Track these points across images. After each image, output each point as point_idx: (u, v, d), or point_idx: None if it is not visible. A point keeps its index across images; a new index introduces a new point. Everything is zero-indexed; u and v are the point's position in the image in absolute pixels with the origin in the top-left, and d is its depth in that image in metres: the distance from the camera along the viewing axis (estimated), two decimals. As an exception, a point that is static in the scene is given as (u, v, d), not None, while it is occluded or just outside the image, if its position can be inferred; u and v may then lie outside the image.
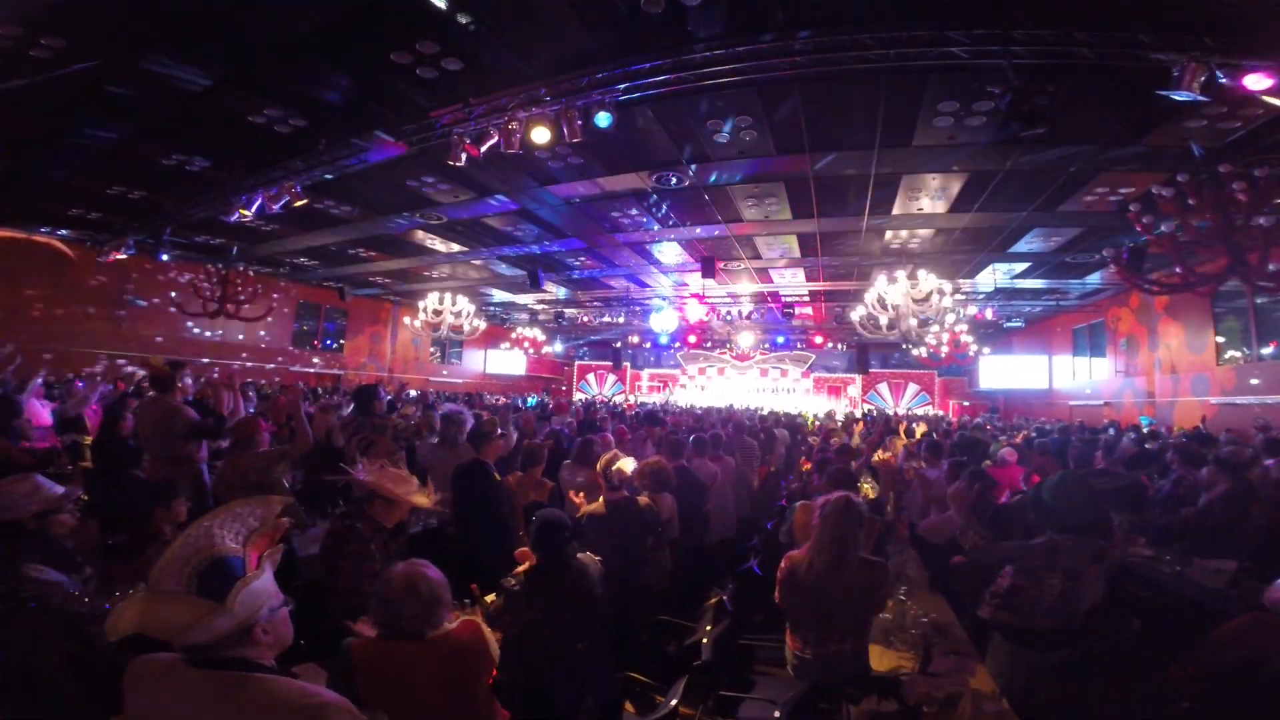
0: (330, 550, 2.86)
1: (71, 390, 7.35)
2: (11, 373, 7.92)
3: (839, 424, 13.94)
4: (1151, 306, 13.91)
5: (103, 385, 8.45)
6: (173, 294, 11.75)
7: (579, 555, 2.90)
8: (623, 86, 6.02)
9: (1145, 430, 10.76)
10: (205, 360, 14.26)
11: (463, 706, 1.95)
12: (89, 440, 6.70)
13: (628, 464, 3.99)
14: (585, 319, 21.53)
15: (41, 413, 6.73)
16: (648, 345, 24.77)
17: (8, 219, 11.67)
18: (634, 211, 10.48)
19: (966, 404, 23.10)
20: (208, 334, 14.77)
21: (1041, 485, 3.09)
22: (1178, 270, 6.03)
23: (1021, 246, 11.63)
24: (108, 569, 2.84)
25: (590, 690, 2.71)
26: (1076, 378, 18.15)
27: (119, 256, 12.15)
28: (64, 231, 12.42)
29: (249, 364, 15.94)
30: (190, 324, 13.94)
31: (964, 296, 15.06)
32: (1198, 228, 5.40)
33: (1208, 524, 4.64)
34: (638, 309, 19.34)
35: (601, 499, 3.89)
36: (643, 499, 3.96)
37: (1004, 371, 20.92)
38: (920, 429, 8.26)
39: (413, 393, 13.27)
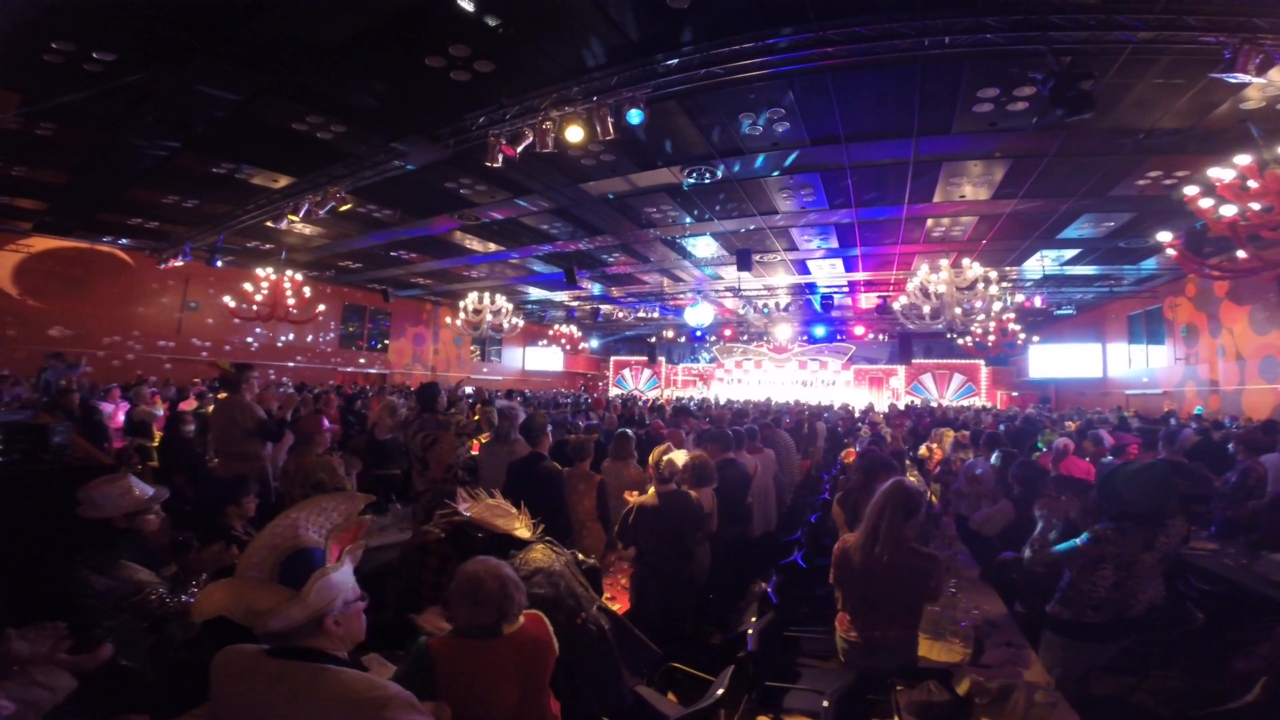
0: (411, 556, 2.91)
1: (140, 394, 7.76)
2: (81, 375, 8.41)
3: (883, 418, 13.73)
4: (1211, 292, 13.26)
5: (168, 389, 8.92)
6: (226, 299, 12.24)
7: (516, 555, 2.80)
8: (652, 83, 6.05)
9: (1203, 420, 10.30)
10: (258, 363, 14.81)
11: (532, 699, 1.99)
12: (155, 443, 7.07)
13: (679, 456, 4.03)
14: (621, 315, 21.64)
15: (114, 413, 7.13)
16: (683, 339, 24.74)
17: (72, 230, 12.36)
18: (667, 206, 10.49)
19: (1015, 394, 22.41)
20: (260, 336, 15.35)
21: (1118, 470, 2.98)
22: (1240, 254, 5.75)
23: (1071, 232, 11.24)
24: (183, 562, 3.00)
25: (621, 664, 2.71)
26: (1133, 366, 17.41)
27: (176, 264, 12.75)
28: (124, 241, 13.08)
29: (298, 365, 16.52)
30: (239, 323, 14.48)
31: (1011, 284, 14.62)
32: (1260, 211, 5.15)
33: (1277, 516, 4.46)
34: (672, 303, 19.34)
35: (652, 490, 3.94)
36: (691, 492, 4.00)
37: (1055, 360, 20.21)
38: (948, 436, 8.05)
39: (468, 389, 13.55)
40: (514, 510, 2.92)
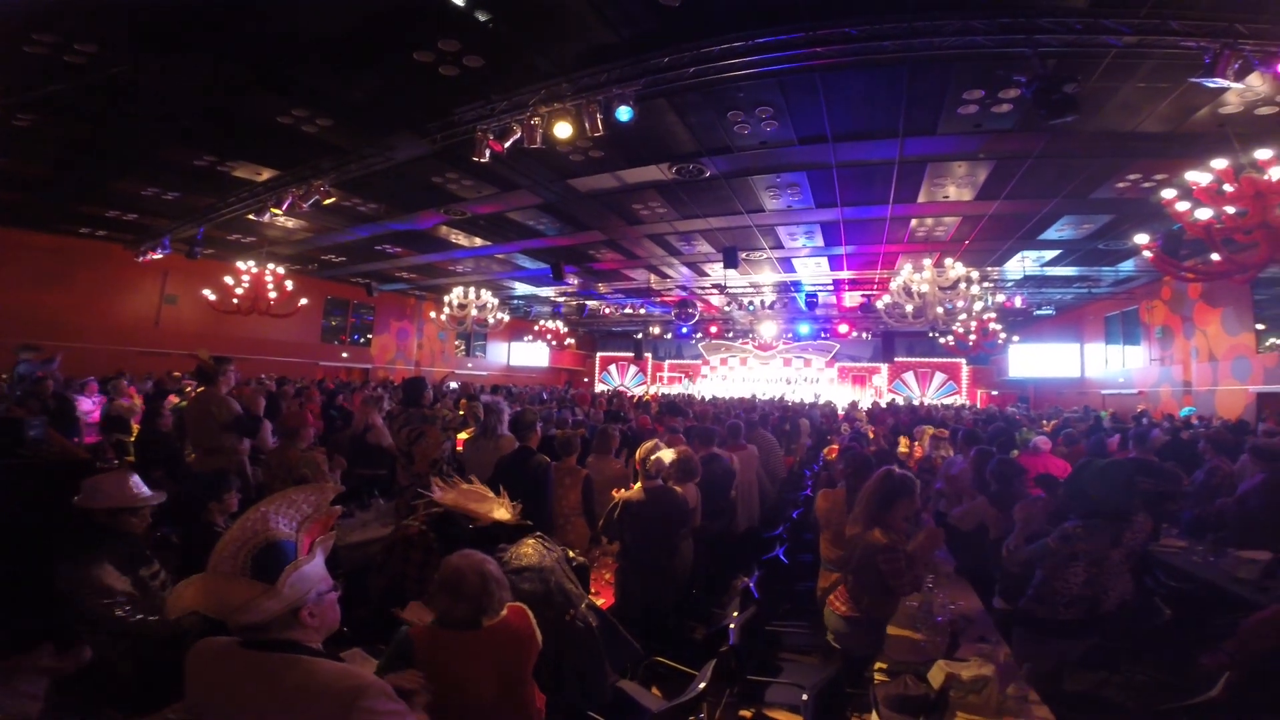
0: (394, 550, 2.91)
1: (118, 387, 7.64)
2: (56, 369, 8.25)
3: (864, 414, 13.88)
4: (1184, 295, 13.54)
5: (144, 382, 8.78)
6: (206, 292, 12.05)
7: (509, 548, 2.82)
8: (642, 80, 6.05)
9: (1181, 420, 10.53)
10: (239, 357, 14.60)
11: (513, 690, 2.02)
12: (132, 439, 6.97)
13: (667, 455, 4.06)
14: (607, 311, 21.61)
15: (90, 408, 7.01)
16: (669, 336, 24.79)
17: (49, 223, 12.11)
18: (655, 203, 10.50)
19: (995, 393, 22.73)
20: (240, 330, 15.12)
21: (1083, 468, 3.08)
22: (1214, 258, 5.88)
23: (1052, 234, 11.40)
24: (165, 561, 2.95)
25: (607, 658, 2.74)
26: (1109, 366, 17.74)
27: (155, 256, 12.52)
28: (102, 233, 12.83)
29: (279, 360, 16.33)
30: (219, 317, 14.29)
31: (992, 284, 14.82)
32: (1235, 215, 5.26)
33: (1243, 515, 4.57)
34: (659, 300, 19.37)
35: (639, 486, 3.96)
36: (676, 488, 4.03)
37: (1034, 360, 20.52)
38: (928, 433, 8.24)
39: (453, 384, 13.44)
40: (490, 494, 2.95)
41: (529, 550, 2.72)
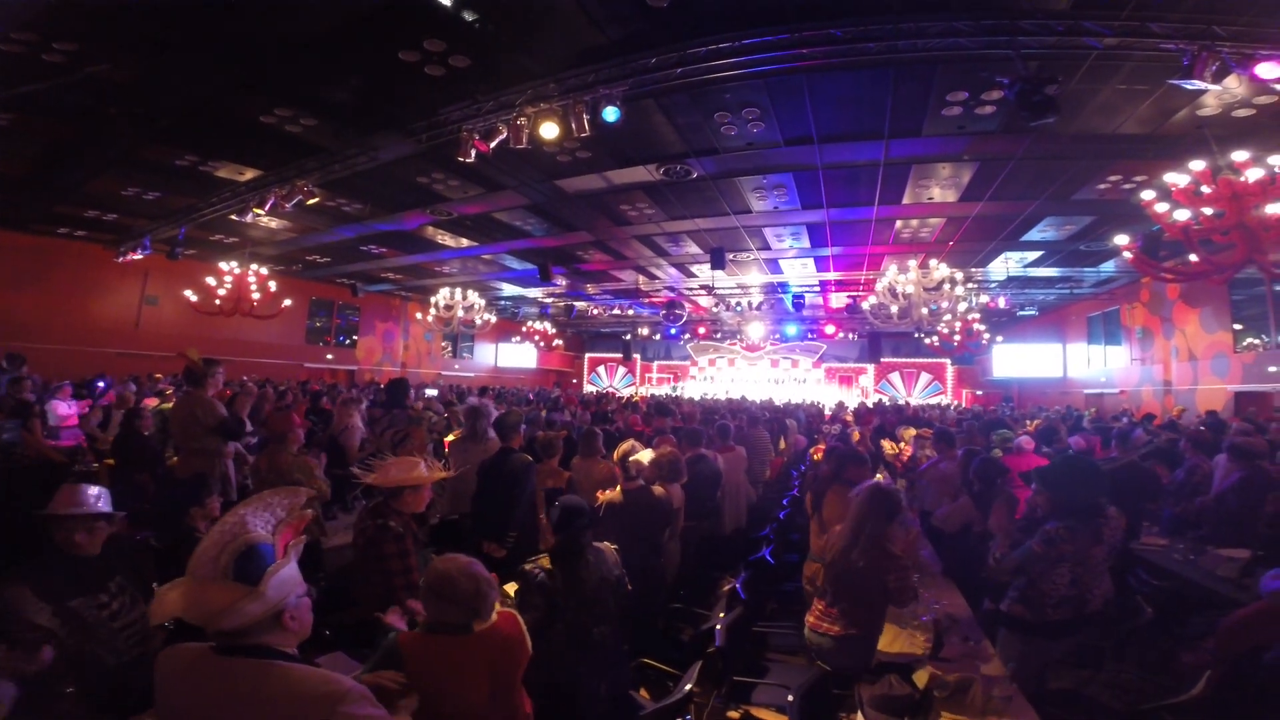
0: (368, 553, 2.86)
1: (94, 389, 7.49)
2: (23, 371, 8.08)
3: (851, 416, 13.94)
4: (1164, 296, 13.74)
5: (123, 385, 8.63)
6: (188, 293, 11.86)
7: (596, 544, 2.92)
8: (629, 81, 6.04)
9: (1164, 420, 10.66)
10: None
11: (501, 697, 1.99)
12: (110, 440, 6.85)
13: (646, 455, 4.04)
14: (596, 312, 21.56)
15: (67, 412, 6.89)
16: (658, 337, 24.81)
17: (27, 223, 11.89)
18: (643, 204, 10.49)
19: (979, 393, 22.94)
20: (223, 331, 14.94)
21: (1047, 469, 3.12)
22: (1192, 259, 5.96)
23: (1034, 235, 11.53)
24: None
25: (606, 677, 2.76)
26: (1091, 366, 17.96)
27: (135, 257, 12.32)
28: (81, 233, 12.62)
29: (263, 361, 16.14)
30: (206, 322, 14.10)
31: (976, 285, 14.95)
32: (1212, 216, 5.33)
33: (1222, 513, 4.64)
34: (647, 301, 19.36)
35: (619, 488, 3.94)
36: (657, 489, 4.01)
37: (1017, 360, 20.74)
38: (910, 433, 8.35)
39: (431, 390, 13.27)
40: (418, 460, 3.04)
41: (611, 553, 2.89)
